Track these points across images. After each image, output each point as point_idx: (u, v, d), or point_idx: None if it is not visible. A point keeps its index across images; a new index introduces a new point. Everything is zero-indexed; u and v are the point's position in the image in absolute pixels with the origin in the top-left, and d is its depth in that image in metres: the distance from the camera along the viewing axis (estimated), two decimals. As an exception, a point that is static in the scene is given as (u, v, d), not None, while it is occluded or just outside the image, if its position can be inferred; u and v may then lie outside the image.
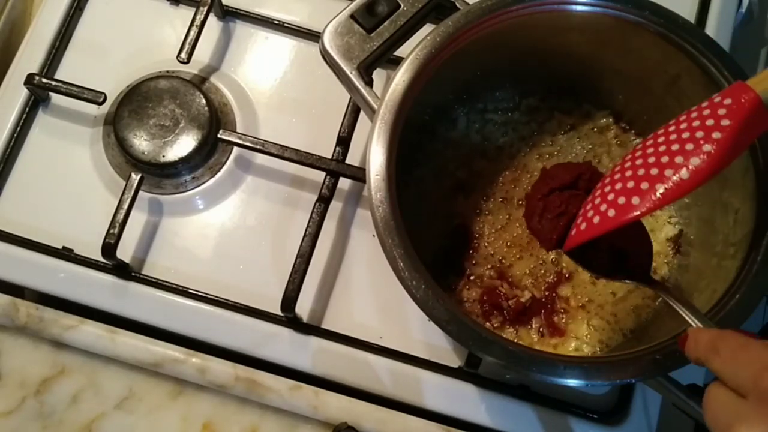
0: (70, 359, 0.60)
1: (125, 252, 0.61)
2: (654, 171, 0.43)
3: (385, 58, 0.54)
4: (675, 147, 0.43)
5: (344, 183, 0.63)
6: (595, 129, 0.62)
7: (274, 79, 0.68)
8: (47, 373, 0.60)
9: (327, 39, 0.53)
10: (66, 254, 0.61)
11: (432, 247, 0.58)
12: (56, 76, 0.66)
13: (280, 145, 0.61)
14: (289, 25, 0.68)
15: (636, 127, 0.61)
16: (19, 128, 0.64)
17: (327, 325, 0.61)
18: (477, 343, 0.46)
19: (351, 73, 0.52)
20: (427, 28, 0.53)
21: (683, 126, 0.44)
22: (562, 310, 0.57)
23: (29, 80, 0.63)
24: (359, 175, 0.61)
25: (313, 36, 0.68)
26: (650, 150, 0.45)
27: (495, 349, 0.46)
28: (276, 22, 0.69)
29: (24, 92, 0.65)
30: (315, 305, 0.61)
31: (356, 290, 0.62)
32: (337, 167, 0.61)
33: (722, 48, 0.52)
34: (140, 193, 0.61)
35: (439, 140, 0.61)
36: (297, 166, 0.62)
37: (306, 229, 0.59)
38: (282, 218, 0.63)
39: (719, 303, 0.48)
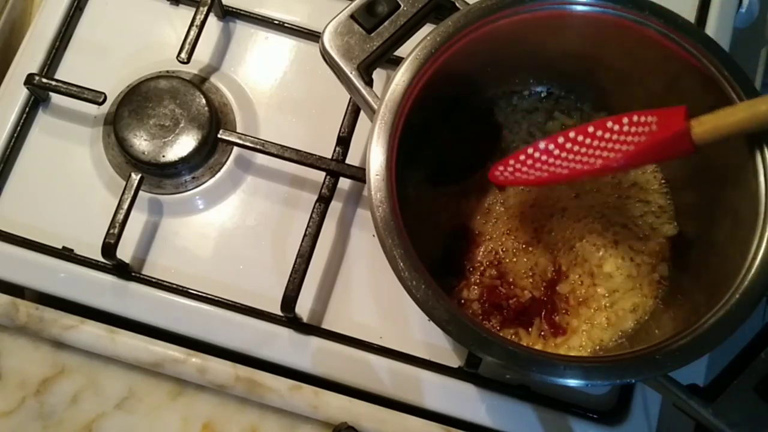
0: (70, 359, 0.60)
1: (125, 252, 0.61)
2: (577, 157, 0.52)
3: (385, 58, 0.54)
4: (599, 146, 0.51)
5: (344, 183, 0.63)
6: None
7: (274, 79, 0.68)
8: (47, 373, 0.60)
9: (327, 39, 0.53)
10: (66, 254, 0.61)
11: (432, 247, 0.58)
12: (56, 76, 0.66)
13: (280, 145, 0.61)
14: (289, 25, 0.68)
15: (636, 127, 0.61)
16: (19, 128, 0.64)
17: (327, 325, 0.61)
18: (477, 343, 0.46)
19: (351, 73, 0.52)
20: (427, 28, 0.53)
21: (616, 136, 0.51)
22: (562, 310, 0.57)
23: (29, 80, 0.63)
24: (359, 175, 0.61)
25: (313, 36, 0.68)
26: (590, 136, 0.52)
27: (495, 349, 0.46)
28: (276, 22, 0.69)
29: (24, 92, 0.65)
30: (315, 305, 0.61)
31: (356, 290, 0.62)
32: (337, 167, 0.61)
33: (722, 48, 0.52)
34: (140, 193, 0.61)
35: (439, 140, 0.61)
36: (297, 166, 0.62)
37: (306, 229, 0.59)
38: (282, 218, 0.63)
39: (719, 303, 0.48)
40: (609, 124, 0.52)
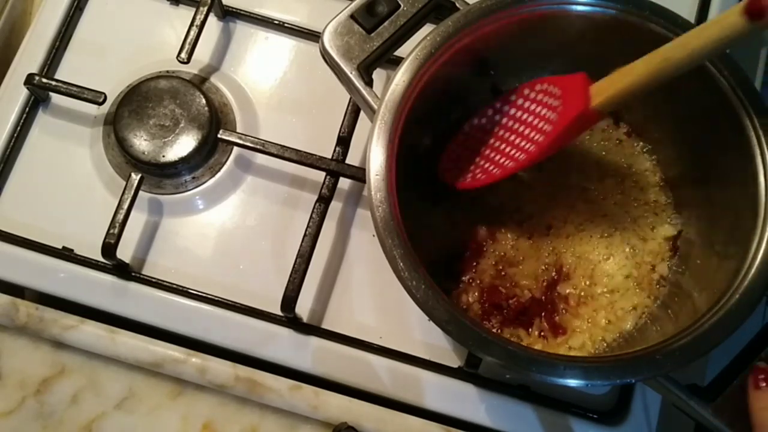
0: (70, 359, 0.60)
1: (125, 252, 0.61)
2: (511, 148, 0.56)
3: (385, 58, 0.54)
4: (523, 129, 0.55)
5: (344, 183, 0.63)
6: (595, 130, 0.62)
7: (274, 79, 0.68)
8: (47, 373, 0.60)
9: (327, 39, 0.53)
10: (66, 254, 0.61)
11: (432, 247, 0.58)
12: (56, 76, 0.66)
13: (280, 145, 0.61)
14: (289, 25, 0.69)
15: (635, 129, 0.61)
16: (19, 128, 0.64)
17: (327, 325, 0.61)
18: (477, 343, 0.46)
19: (351, 73, 0.52)
20: (427, 28, 0.53)
21: (532, 105, 0.55)
22: (562, 310, 0.57)
23: (29, 80, 0.63)
24: (359, 175, 0.61)
25: (313, 36, 0.68)
26: (514, 118, 0.57)
27: (495, 349, 0.46)
28: (276, 22, 0.69)
29: (24, 92, 0.65)
30: (315, 305, 0.61)
31: (356, 290, 0.62)
32: (337, 167, 0.61)
33: (722, 48, 0.52)
34: (140, 193, 0.61)
35: (439, 140, 0.61)
36: (297, 166, 0.62)
37: (306, 229, 0.59)
38: (282, 218, 0.64)
39: (719, 303, 0.48)
40: (526, 91, 0.57)
